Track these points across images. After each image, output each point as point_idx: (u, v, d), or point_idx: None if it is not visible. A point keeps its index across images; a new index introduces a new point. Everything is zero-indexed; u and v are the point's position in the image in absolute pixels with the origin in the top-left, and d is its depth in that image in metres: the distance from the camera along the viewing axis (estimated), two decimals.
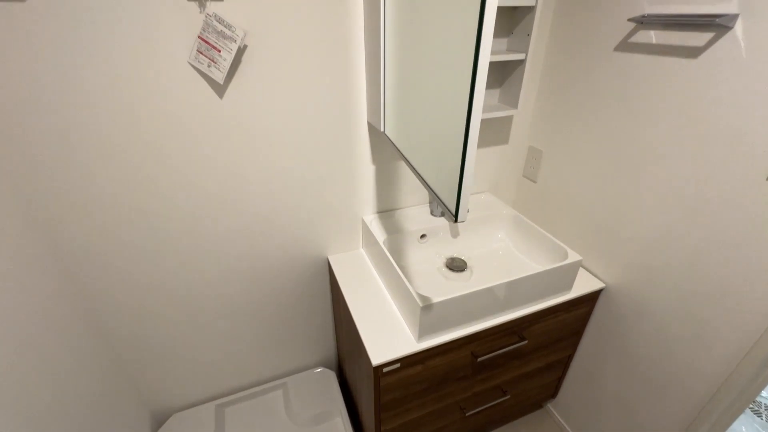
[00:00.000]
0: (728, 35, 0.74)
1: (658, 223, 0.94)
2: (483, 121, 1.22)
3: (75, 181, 0.88)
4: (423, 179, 0.77)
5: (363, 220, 1.21)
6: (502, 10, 1.06)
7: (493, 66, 1.15)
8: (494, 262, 1.20)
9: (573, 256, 1.02)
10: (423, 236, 1.21)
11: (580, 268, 1.19)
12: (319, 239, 1.22)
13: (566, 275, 1.04)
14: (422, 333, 0.91)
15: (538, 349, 1.18)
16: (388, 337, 0.94)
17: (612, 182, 1.04)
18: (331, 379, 1.44)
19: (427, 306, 0.86)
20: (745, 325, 0.81)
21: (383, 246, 1.05)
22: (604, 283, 1.13)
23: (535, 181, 1.32)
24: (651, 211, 0.95)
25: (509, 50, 1.09)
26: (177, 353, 1.24)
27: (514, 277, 0.94)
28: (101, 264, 1.00)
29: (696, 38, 0.79)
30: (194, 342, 1.24)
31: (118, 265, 1.01)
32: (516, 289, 0.97)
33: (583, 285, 1.12)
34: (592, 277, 1.15)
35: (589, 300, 1.15)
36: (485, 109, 1.11)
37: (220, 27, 0.80)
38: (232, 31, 0.81)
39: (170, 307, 1.14)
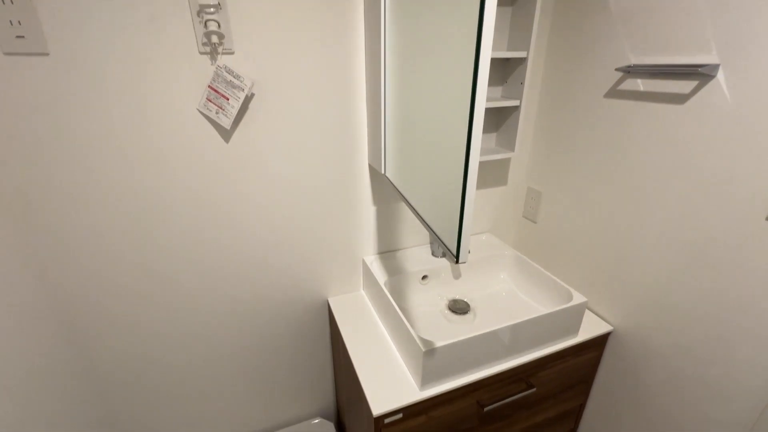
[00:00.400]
0: (712, 83, 0.77)
1: (662, 263, 0.93)
2: (481, 164, 1.25)
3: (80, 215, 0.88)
4: (423, 220, 0.77)
5: (364, 261, 1.20)
6: (495, 61, 1.12)
7: (490, 112, 1.19)
8: (497, 304, 1.18)
9: (578, 298, 1.00)
10: (424, 277, 1.19)
11: (587, 311, 1.16)
12: (319, 280, 1.20)
13: (572, 318, 1.01)
14: (425, 380, 0.87)
15: (547, 397, 1.12)
16: (390, 384, 0.90)
17: (612, 223, 1.04)
18: (330, 431, 1.36)
19: (430, 351, 0.83)
20: (765, 372, 0.77)
21: (384, 287, 1.04)
22: (611, 325, 1.09)
23: (535, 222, 1.33)
24: (653, 252, 0.95)
25: (504, 97, 1.14)
26: (166, 403, 1.18)
27: (519, 320, 0.91)
28: (96, 308, 0.98)
29: (681, 86, 0.83)
30: (183, 391, 1.19)
31: (109, 307, 0.99)
32: (521, 333, 0.94)
33: (590, 328, 1.08)
34: (599, 319, 1.12)
35: (598, 344, 1.11)
36: (483, 152, 1.15)
37: (229, 77, 0.85)
38: (241, 81, 0.85)
39: (161, 351, 1.10)
